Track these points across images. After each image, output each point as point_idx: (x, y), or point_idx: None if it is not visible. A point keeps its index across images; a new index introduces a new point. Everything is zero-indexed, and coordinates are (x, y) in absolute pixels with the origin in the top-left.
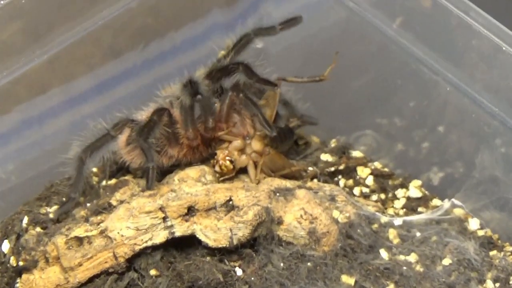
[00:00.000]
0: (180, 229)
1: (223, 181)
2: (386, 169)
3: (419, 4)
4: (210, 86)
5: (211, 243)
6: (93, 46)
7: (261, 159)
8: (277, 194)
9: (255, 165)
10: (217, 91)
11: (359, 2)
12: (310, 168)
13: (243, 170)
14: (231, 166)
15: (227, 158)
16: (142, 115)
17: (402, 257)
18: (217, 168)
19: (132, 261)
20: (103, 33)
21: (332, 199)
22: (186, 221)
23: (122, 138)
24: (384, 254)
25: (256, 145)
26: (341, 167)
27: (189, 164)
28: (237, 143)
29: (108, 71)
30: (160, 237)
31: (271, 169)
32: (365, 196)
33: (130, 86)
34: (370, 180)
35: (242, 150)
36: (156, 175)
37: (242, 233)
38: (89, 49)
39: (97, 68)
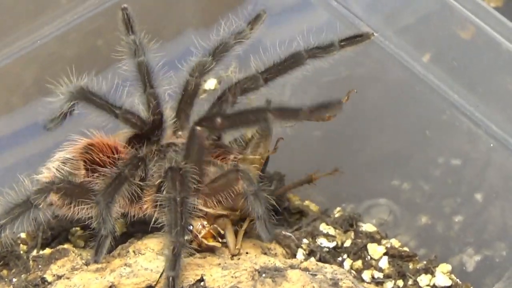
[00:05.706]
0: None
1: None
2: (405, 249)
3: (455, 34)
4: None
5: None
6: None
7: (245, 222)
8: (263, 275)
9: (236, 228)
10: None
11: (378, 28)
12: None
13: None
14: (220, 244)
15: (211, 230)
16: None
17: None
18: (195, 246)
19: None
20: (22, 65)
21: (335, 284)
22: None
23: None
24: None
25: None
26: (347, 243)
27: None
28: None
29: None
30: None
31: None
32: (378, 283)
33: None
34: (384, 262)
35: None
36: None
37: None
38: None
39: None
